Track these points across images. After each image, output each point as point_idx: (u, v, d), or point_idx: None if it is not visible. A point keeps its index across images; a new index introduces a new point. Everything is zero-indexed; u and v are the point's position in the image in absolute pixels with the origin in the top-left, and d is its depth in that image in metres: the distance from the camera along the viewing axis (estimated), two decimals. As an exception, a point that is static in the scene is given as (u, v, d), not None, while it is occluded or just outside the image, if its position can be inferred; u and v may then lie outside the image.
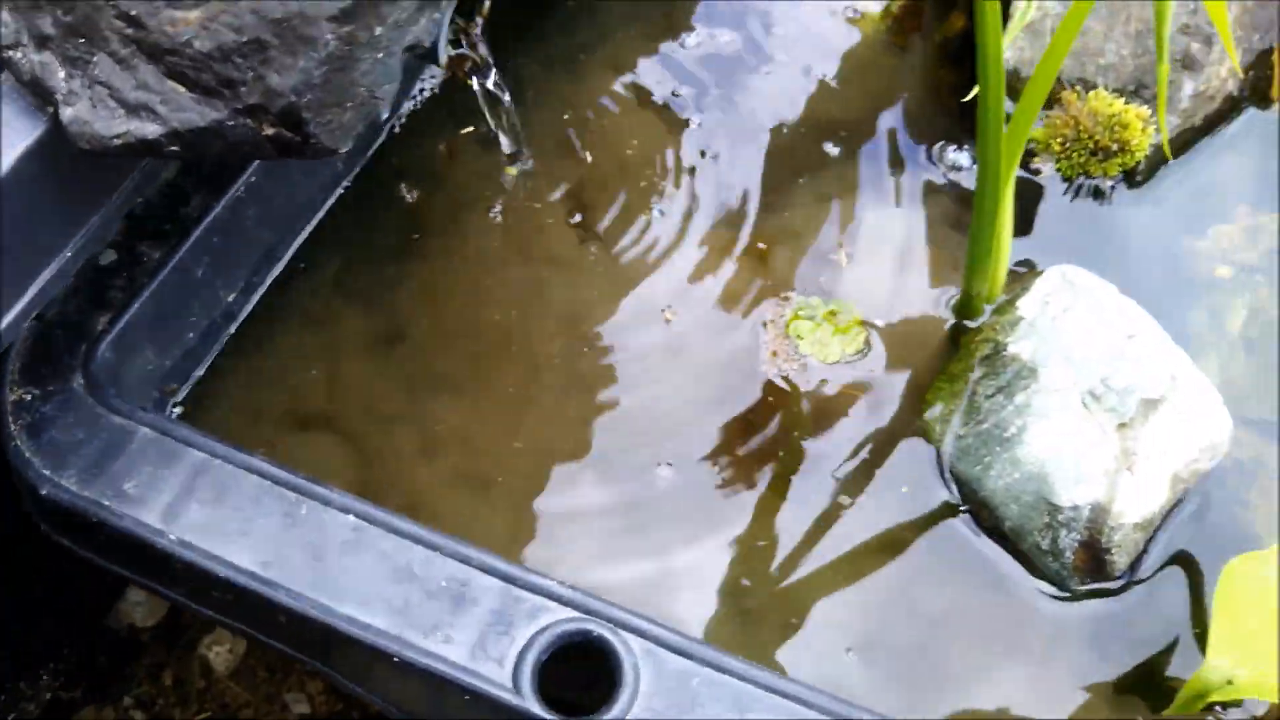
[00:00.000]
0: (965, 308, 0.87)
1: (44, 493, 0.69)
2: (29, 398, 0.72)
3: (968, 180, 0.93)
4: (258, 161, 0.80)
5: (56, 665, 1.01)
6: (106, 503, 0.69)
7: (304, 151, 0.60)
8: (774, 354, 0.86)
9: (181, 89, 0.58)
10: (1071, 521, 0.76)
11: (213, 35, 0.57)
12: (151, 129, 0.59)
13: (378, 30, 0.59)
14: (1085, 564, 0.77)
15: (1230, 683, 0.65)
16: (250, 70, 0.57)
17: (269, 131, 0.59)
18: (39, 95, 0.61)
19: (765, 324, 0.87)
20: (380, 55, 0.60)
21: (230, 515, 0.69)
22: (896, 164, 0.94)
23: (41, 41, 0.59)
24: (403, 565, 0.67)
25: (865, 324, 0.87)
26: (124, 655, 1.06)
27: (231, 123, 0.59)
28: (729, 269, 0.89)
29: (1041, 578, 0.78)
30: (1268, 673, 0.64)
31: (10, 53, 0.60)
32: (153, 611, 1.06)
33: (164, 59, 0.58)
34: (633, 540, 0.79)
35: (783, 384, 0.85)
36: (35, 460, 0.70)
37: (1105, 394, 0.78)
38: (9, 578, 0.91)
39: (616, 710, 0.63)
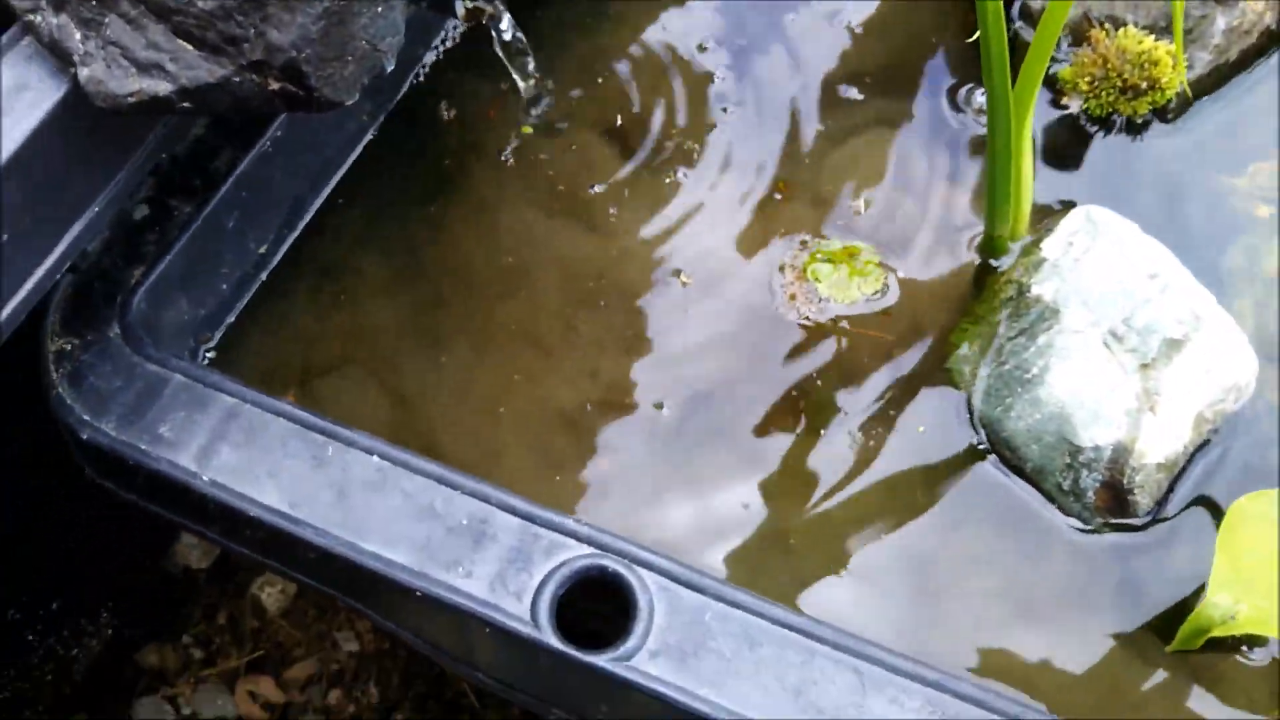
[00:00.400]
0: (989, 248, 0.87)
1: (85, 437, 0.72)
2: (69, 347, 0.75)
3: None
4: (283, 116, 0.81)
5: (117, 604, 1.04)
6: (143, 446, 0.72)
7: (310, 105, 0.62)
8: (792, 297, 0.85)
9: (189, 47, 0.60)
10: (1092, 462, 0.76)
11: (214, -7, 0.58)
12: (163, 87, 0.61)
13: (375, -16, 0.61)
14: (1107, 504, 0.77)
15: (1233, 618, 0.65)
16: (251, 27, 0.58)
17: (275, 86, 0.60)
18: (59, 57, 0.63)
19: (782, 267, 0.86)
20: (380, 9, 0.61)
21: (260, 457, 0.71)
22: (922, 108, 0.93)
23: (58, 5, 0.61)
24: (425, 504, 0.69)
25: (885, 266, 0.87)
26: (181, 596, 1.09)
27: (238, 79, 0.61)
28: (747, 214, 0.89)
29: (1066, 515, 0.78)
30: (1269, 609, 0.64)
31: (31, 16, 0.62)
32: (206, 553, 1.09)
33: (171, 18, 0.60)
34: (643, 479, 0.80)
35: (801, 326, 0.85)
36: (76, 407, 0.73)
37: (1127, 334, 0.77)
38: (67, 520, 0.95)
39: (632, 642, 0.65)
